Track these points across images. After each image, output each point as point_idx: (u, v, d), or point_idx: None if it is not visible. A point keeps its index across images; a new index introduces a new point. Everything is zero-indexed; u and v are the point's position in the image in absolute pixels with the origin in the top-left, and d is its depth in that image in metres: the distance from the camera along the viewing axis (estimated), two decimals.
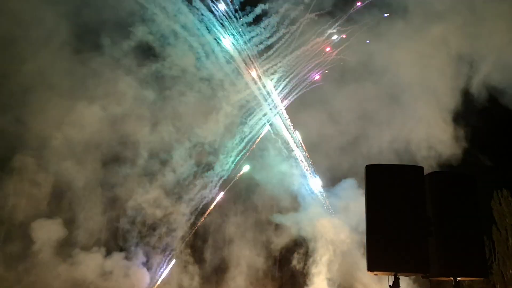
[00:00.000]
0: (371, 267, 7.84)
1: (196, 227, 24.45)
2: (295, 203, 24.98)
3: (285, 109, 25.22)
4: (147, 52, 23.47)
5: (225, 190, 24.69)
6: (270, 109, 24.90)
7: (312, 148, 25.59)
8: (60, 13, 21.47)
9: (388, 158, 24.27)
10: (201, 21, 22.74)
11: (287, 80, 24.83)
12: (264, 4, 23.73)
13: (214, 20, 22.88)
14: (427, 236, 7.80)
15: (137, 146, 23.56)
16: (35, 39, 21.31)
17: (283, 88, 24.91)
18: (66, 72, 22.08)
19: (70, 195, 23.11)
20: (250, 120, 25.16)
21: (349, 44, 24.91)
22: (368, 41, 24.72)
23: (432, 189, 7.99)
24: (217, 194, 24.48)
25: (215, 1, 22.66)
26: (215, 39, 23.60)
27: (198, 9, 22.62)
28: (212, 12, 22.84)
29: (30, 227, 22.07)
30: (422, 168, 8.21)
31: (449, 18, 23.74)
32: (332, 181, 25.52)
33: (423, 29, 24.08)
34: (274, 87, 24.96)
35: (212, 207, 24.46)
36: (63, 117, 22.28)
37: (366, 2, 24.21)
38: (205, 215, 24.41)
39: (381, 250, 7.74)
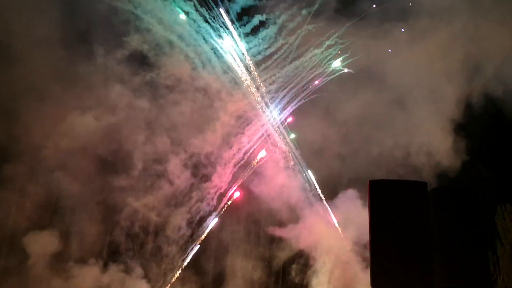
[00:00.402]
0: (375, 283, 7.91)
1: (199, 241, 24.50)
2: (294, 215, 25.10)
3: (284, 119, 25.36)
4: (142, 62, 23.58)
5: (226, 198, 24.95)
6: (269, 120, 25.17)
7: (312, 157, 25.94)
8: (53, 20, 21.45)
9: (389, 166, 24.64)
10: (198, 32, 23.08)
11: (286, 90, 25.25)
12: (262, 15, 24.00)
13: (211, 31, 23.22)
14: (431, 251, 7.92)
15: (134, 157, 23.54)
16: (26, 47, 21.18)
17: (282, 98, 25.29)
18: (58, 81, 21.98)
19: (64, 207, 22.98)
20: (248, 130, 25.28)
21: (351, 52, 25.39)
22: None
23: (436, 205, 8.12)
24: (215, 206, 24.71)
25: (211, 12, 22.97)
26: (212, 49, 23.86)
27: (195, 21, 23.00)
28: (208, 23, 23.19)
29: (25, 240, 21.90)
30: (425, 183, 8.35)
31: (452, 28, 24.32)
32: (332, 190, 25.77)
33: (424, 37, 24.41)
34: (273, 97, 25.06)
35: (212, 214, 24.73)
36: (54, 127, 22.13)
37: (366, 13, 24.62)
38: (207, 230, 24.53)
39: (385, 266, 7.81)
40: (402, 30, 24.77)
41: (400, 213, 8.30)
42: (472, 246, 8.28)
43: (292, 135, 25.78)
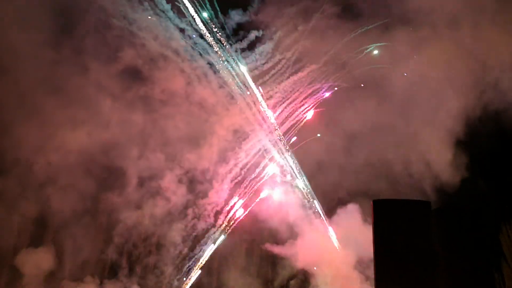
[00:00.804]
0: None
1: (201, 263, 24.34)
2: (293, 232, 24.68)
3: (282, 134, 25.20)
4: (138, 76, 23.56)
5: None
6: (266, 135, 25.23)
7: (313, 171, 25.68)
8: (48, 34, 21.63)
9: (389, 179, 23.80)
10: (194, 48, 23.33)
11: (283, 105, 24.96)
12: (258, 31, 24.19)
13: (207, 46, 23.39)
14: (435, 271, 8.03)
15: (131, 173, 23.54)
16: (18, 60, 21.29)
17: (279, 113, 25.05)
18: (52, 94, 22.03)
19: (59, 224, 22.87)
20: (245, 145, 25.30)
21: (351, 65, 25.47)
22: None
23: (440, 225, 8.23)
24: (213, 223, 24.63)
25: (207, 27, 23.23)
26: (209, 63, 24.02)
27: (190, 37, 23.09)
28: (204, 38, 23.40)
29: (18, 258, 22.00)
30: (429, 203, 8.47)
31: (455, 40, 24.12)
32: (333, 204, 25.49)
33: (426, 51, 24.37)
34: (271, 112, 24.99)
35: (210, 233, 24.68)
36: (45, 142, 22.10)
37: (363, 28, 24.82)
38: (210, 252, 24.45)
39: (389, 285, 7.93)
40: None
41: (404, 233, 8.40)
42: (476, 265, 8.39)
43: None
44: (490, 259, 8.01)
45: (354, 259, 23.66)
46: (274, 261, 25.55)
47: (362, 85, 25.74)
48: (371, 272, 22.60)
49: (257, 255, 25.74)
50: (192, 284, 24.46)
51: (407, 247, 8.07)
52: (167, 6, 22.36)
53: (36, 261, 22.13)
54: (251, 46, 24.35)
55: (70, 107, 22.62)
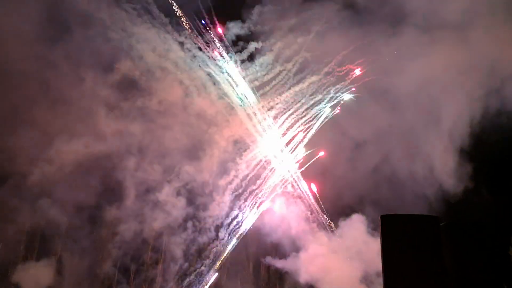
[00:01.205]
0: None
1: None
2: (297, 246, 24.67)
3: (284, 145, 25.30)
4: (135, 87, 23.68)
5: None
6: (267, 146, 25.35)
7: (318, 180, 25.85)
8: (45, 45, 21.85)
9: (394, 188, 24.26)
10: (193, 60, 23.50)
11: (284, 116, 25.00)
12: (257, 42, 24.33)
13: (206, 58, 23.55)
14: (446, 286, 7.98)
15: (129, 185, 23.54)
16: (15, 71, 21.43)
17: (281, 124, 25.07)
18: (48, 106, 22.11)
19: (55, 238, 22.84)
20: (245, 157, 25.31)
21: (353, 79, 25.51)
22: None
23: (450, 240, 8.20)
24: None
25: (207, 40, 23.50)
26: (208, 75, 24.11)
27: (190, 50, 23.37)
28: (203, 51, 23.53)
29: (16, 274, 21.85)
30: (437, 217, 8.45)
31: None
32: (337, 214, 25.54)
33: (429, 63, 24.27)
34: (272, 123, 25.06)
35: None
36: (43, 153, 22.06)
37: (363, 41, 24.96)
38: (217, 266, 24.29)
39: None
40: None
41: (413, 248, 8.33)
42: (487, 281, 8.37)
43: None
44: (500, 274, 7.98)
45: (360, 272, 23.60)
46: (278, 274, 25.40)
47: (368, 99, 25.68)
48: (375, 286, 22.70)
49: (259, 267, 25.62)
50: None
51: (417, 262, 8.01)
52: (165, 20, 22.56)
53: (34, 276, 21.90)
54: (251, 58, 24.46)
55: (67, 118, 22.69)
